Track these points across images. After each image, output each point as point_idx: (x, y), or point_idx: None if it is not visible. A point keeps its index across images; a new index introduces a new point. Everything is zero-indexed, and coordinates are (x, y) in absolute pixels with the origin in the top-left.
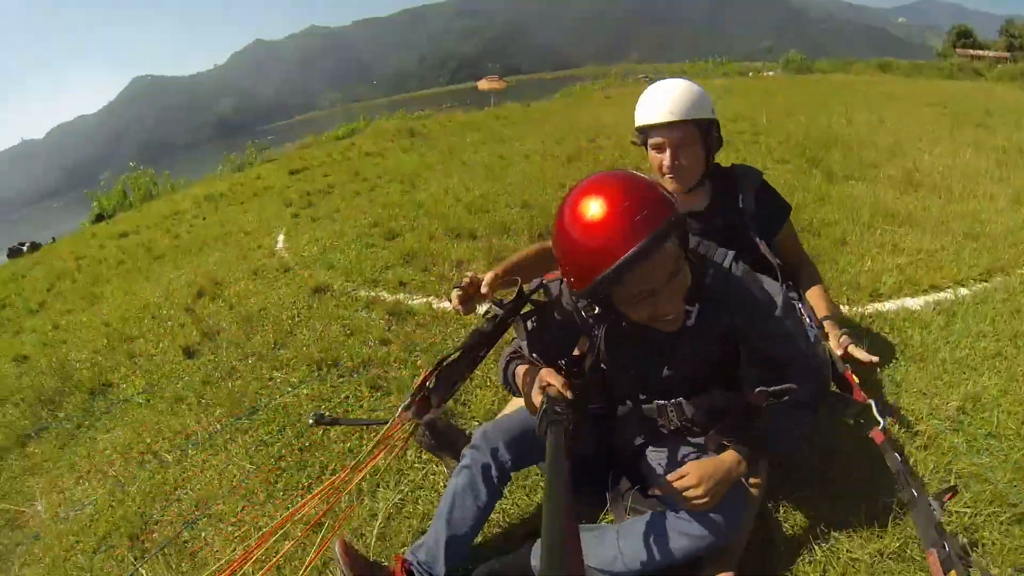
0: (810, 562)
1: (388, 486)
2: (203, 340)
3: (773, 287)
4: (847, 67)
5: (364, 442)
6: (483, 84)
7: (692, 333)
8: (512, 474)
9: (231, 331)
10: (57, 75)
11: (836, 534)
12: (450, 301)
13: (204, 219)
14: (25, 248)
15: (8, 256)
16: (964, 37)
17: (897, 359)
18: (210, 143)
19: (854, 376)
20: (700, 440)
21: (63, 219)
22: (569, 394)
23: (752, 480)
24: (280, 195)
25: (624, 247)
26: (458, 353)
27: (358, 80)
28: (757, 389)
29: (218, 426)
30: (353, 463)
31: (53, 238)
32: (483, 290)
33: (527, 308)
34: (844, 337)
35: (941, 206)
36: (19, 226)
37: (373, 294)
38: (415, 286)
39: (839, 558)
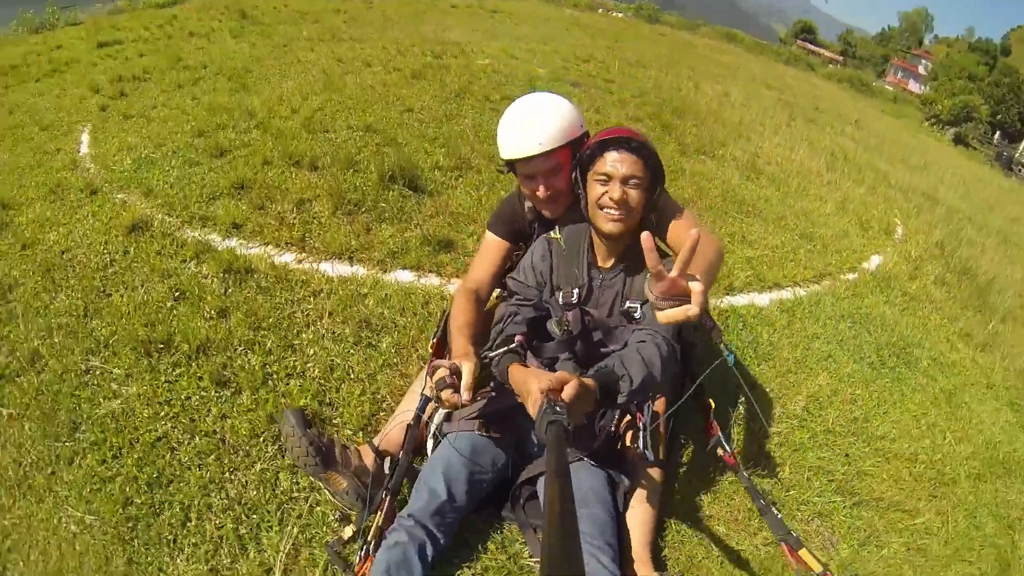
0: (707, 558)
1: (271, 528)
2: None
3: None
4: (695, 27)
5: (225, 468)
6: None
7: (622, 264)
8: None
9: (28, 287)
10: None
11: (724, 530)
12: (438, 399)
13: None
14: None
15: None
16: (807, 32)
17: (751, 357)
18: None
19: (710, 402)
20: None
21: None
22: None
23: (649, 495)
24: (85, 75)
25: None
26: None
27: None
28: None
29: (32, 454)
30: None
31: None
32: (465, 397)
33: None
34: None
35: (780, 199)
36: None
37: (202, 237)
38: (251, 229)
39: (732, 549)
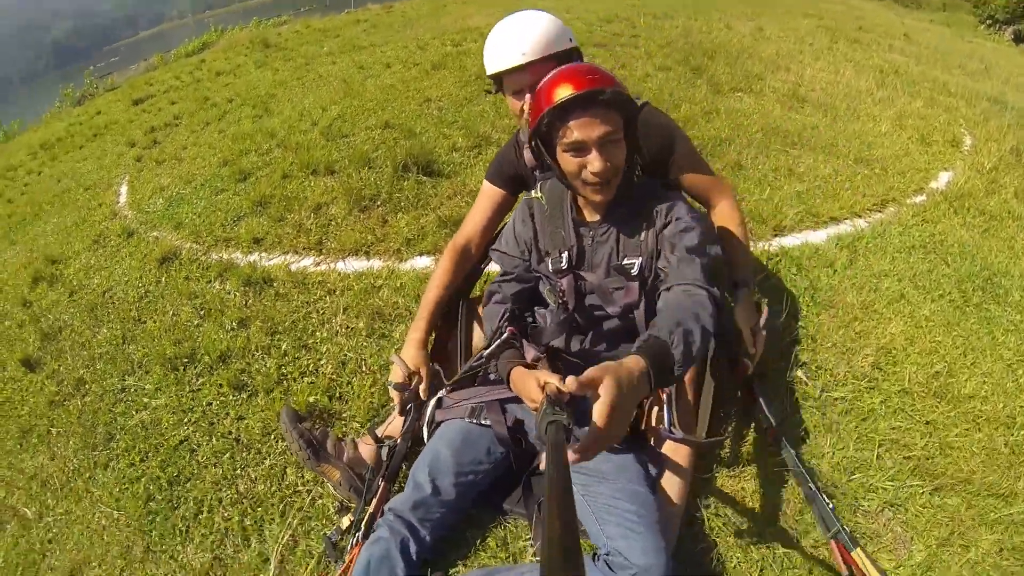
0: (744, 562)
1: (273, 520)
2: (44, 344)
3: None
4: None
5: (237, 465)
6: None
7: (612, 214)
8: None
9: (74, 327)
10: None
11: (771, 529)
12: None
13: (40, 174)
14: None
15: None
16: None
17: (809, 305)
18: (50, 74)
19: (746, 363)
20: None
21: None
22: (566, 390)
23: (677, 483)
24: (123, 133)
25: None
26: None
27: None
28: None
29: (74, 462)
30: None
31: None
32: (423, 395)
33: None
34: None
35: (828, 124)
36: None
37: (226, 257)
38: (270, 241)
39: (776, 553)
